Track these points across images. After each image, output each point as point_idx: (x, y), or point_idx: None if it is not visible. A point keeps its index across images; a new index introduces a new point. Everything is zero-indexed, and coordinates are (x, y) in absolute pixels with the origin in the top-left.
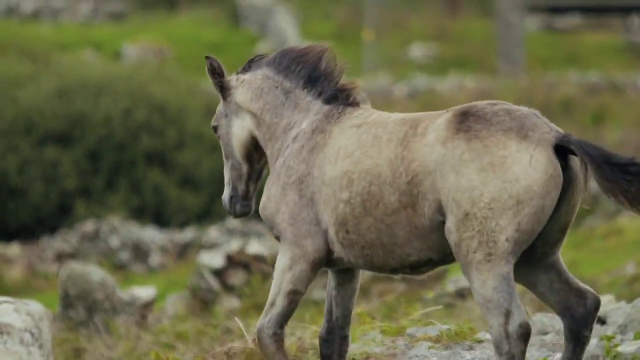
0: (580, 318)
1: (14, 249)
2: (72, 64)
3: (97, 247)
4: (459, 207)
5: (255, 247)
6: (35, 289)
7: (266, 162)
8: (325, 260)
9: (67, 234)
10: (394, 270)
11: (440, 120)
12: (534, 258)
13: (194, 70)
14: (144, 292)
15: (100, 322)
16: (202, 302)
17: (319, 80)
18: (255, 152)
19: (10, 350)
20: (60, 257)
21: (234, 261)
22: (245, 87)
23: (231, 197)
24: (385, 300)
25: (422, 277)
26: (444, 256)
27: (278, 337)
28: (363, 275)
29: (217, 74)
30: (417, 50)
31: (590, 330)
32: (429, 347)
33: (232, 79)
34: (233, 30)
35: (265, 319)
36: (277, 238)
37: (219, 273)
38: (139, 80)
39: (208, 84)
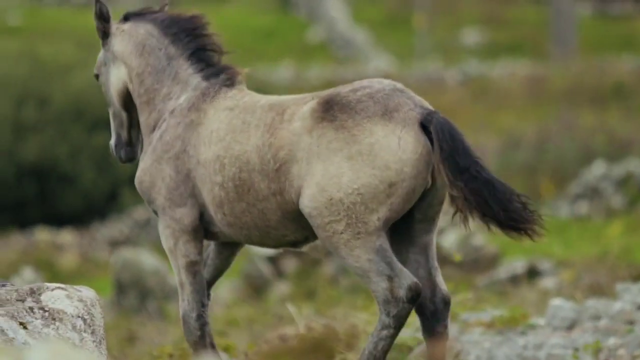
0: (430, 314)
1: (65, 236)
2: None
3: (148, 234)
4: (323, 191)
5: None
6: (87, 276)
7: None
8: (203, 231)
9: (118, 220)
10: (274, 247)
11: (305, 108)
12: (410, 236)
13: (243, 57)
14: None
15: (153, 308)
16: (255, 288)
17: (204, 54)
18: (131, 102)
19: (63, 336)
20: (112, 244)
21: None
22: (125, 37)
23: (116, 145)
24: None
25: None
26: None
27: (202, 320)
28: None
29: (104, 19)
30: (469, 36)
31: (445, 326)
32: (482, 333)
33: (111, 26)
34: (283, 17)
35: (184, 303)
36: (155, 213)
37: (271, 260)
38: None
39: (259, 71)
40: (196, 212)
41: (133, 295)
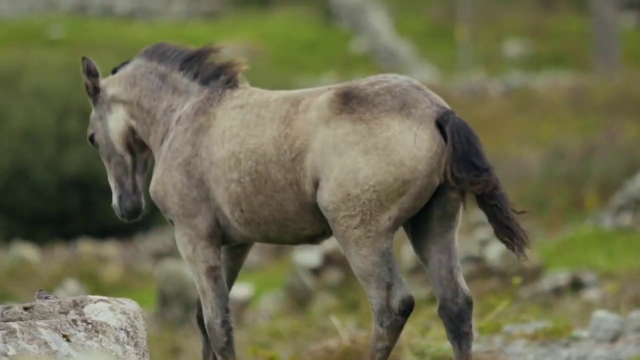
0: (455, 316)
1: (109, 248)
2: None
3: None
4: (340, 186)
5: None
6: (131, 288)
7: (150, 154)
8: (220, 235)
9: (161, 232)
10: (292, 243)
11: (322, 99)
12: (434, 233)
13: (287, 69)
14: (240, 291)
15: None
16: (298, 300)
17: (193, 61)
18: (134, 142)
19: (106, 348)
20: (156, 256)
21: (330, 259)
22: (116, 80)
23: (120, 197)
24: (481, 298)
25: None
26: None
27: (227, 326)
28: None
29: (92, 74)
30: (512, 47)
31: (470, 326)
32: (525, 345)
33: (100, 80)
34: (326, 29)
35: (208, 310)
36: (171, 222)
37: (315, 271)
38: None
39: (303, 82)
40: (211, 216)
41: (177, 307)
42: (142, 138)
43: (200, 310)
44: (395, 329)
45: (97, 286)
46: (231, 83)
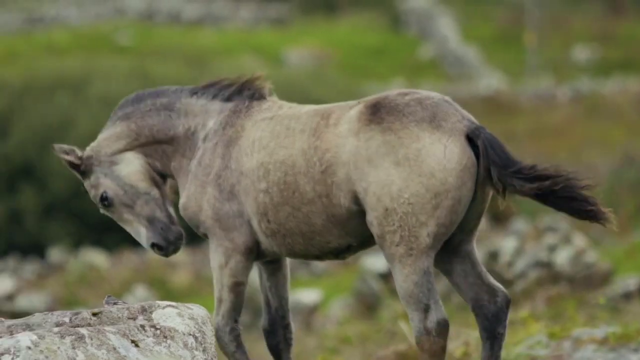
0: (492, 315)
1: (178, 254)
2: (232, 69)
3: None
4: (379, 201)
5: None
6: (200, 294)
7: (169, 185)
8: (256, 251)
9: None
10: (317, 257)
11: (352, 112)
12: (451, 246)
13: (355, 75)
14: (309, 296)
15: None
16: (367, 306)
17: (205, 87)
18: (155, 175)
19: (174, 354)
20: None
21: None
22: (108, 140)
23: (161, 230)
24: (551, 303)
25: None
26: (363, 241)
27: (235, 333)
28: (528, 279)
29: (67, 153)
30: (580, 53)
31: (504, 327)
32: (595, 350)
33: (85, 155)
34: (393, 35)
35: (219, 318)
36: (205, 236)
37: (383, 277)
38: (299, 84)
39: (370, 88)
40: (247, 230)
41: (245, 312)
42: (163, 170)
43: (269, 338)
44: (437, 353)
45: (166, 292)
46: (257, 95)
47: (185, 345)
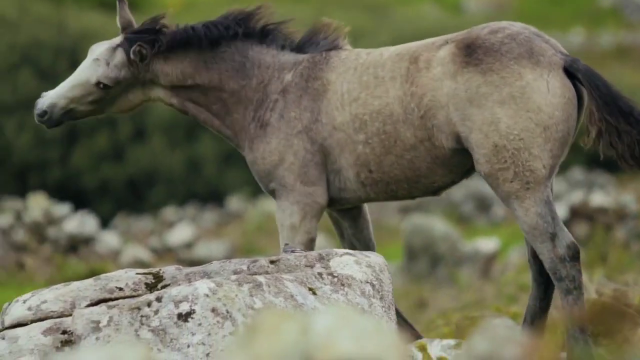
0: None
1: None
2: (410, 17)
3: (440, 199)
4: (487, 138)
5: (599, 199)
6: (378, 242)
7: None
8: (330, 200)
9: None
10: (416, 197)
11: (442, 53)
12: None
13: (533, 23)
14: (487, 244)
15: (443, 274)
16: None
17: (271, 31)
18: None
19: (352, 301)
20: (403, 210)
21: (576, 213)
22: (173, 61)
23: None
24: None
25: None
26: (463, 175)
27: None
28: None
29: (144, 58)
30: None
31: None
32: None
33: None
34: None
35: None
36: (273, 191)
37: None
38: None
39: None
40: (325, 186)
41: (423, 261)
42: (210, 121)
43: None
44: (576, 276)
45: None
46: (333, 45)
47: (363, 293)
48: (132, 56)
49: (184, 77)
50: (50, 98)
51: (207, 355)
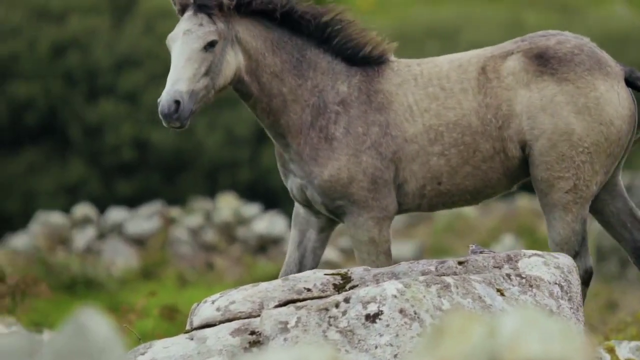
0: None
1: None
2: (601, 17)
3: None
4: (554, 147)
5: None
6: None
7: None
8: None
9: None
10: (461, 206)
11: (512, 63)
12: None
13: None
14: None
15: (633, 275)
16: None
17: (330, 37)
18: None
19: (540, 303)
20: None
21: None
22: (249, 29)
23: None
24: None
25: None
26: (515, 185)
27: None
28: None
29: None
30: None
31: None
32: None
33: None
34: None
35: None
36: (338, 209)
37: None
38: None
39: None
40: (395, 198)
41: (613, 262)
42: (267, 113)
43: None
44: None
45: (533, 241)
46: (382, 59)
47: (551, 294)
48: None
49: (257, 50)
50: (172, 89)
51: (395, 356)
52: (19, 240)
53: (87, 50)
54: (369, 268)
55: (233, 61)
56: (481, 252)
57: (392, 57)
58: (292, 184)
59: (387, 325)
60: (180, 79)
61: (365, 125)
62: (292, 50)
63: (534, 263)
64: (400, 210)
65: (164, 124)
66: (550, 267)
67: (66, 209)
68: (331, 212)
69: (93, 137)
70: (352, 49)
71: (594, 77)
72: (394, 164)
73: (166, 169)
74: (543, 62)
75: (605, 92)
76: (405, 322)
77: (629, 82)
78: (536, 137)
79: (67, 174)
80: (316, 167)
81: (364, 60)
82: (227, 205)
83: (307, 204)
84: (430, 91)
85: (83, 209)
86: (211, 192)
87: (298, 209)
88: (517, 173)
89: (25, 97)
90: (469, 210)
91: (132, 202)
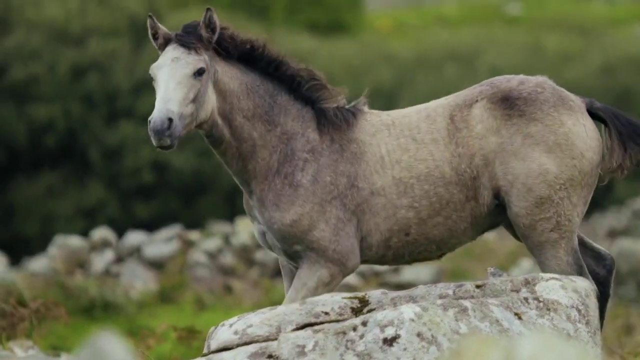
0: (602, 279)
1: None
2: (620, 40)
3: None
4: (530, 191)
5: None
6: None
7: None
8: None
9: (617, 212)
10: (424, 260)
11: (478, 111)
12: None
13: None
14: None
15: None
16: None
17: (299, 84)
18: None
19: (557, 326)
20: (611, 234)
21: None
22: (227, 70)
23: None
24: None
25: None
26: (478, 236)
27: None
28: None
29: (212, 29)
30: None
31: (610, 288)
32: None
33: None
34: None
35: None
36: (295, 254)
37: None
38: None
39: None
40: (359, 253)
41: (631, 285)
42: (235, 159)
43: None
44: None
45: None
46: (355, 107)
47: (569, 317)
48: (208, 20)
49: (232, 93)
50: (164, 107)
51: None
52: (38, 264)
53: (107, 73)
54: (387, 291)
55: (212, 98)
56: (499, 276)
57: (365, 108)
58: (256, 229)
59: (405, 349)
60: (172, 100)
61: (334, 175)
62: (265, 95)
63: (551, 286)
64: (362, 261)
65: (154, 142)
66: (568, 290)
67: (85, 233)
68: (289, 256)
69: (112, 160)
70: (318, 97)
71: (559, 113)
72: (356, 217)
73: (185, 192)
74: (509, 104)
75: (572, 127)
76: (423, 346)
77: (591, 113)
78: (510, 183)
79: (85, 197)
80: (277, 213)
81: (330, 108)
82: (246, 228)
83: (270, 250)
84: (402, 142)
85: (101, 232)
86: (230, 215)
87: (282, 260)
88: (484, 222)
89: (45, 120)
90: (488, 234)
91: (151, 225)
